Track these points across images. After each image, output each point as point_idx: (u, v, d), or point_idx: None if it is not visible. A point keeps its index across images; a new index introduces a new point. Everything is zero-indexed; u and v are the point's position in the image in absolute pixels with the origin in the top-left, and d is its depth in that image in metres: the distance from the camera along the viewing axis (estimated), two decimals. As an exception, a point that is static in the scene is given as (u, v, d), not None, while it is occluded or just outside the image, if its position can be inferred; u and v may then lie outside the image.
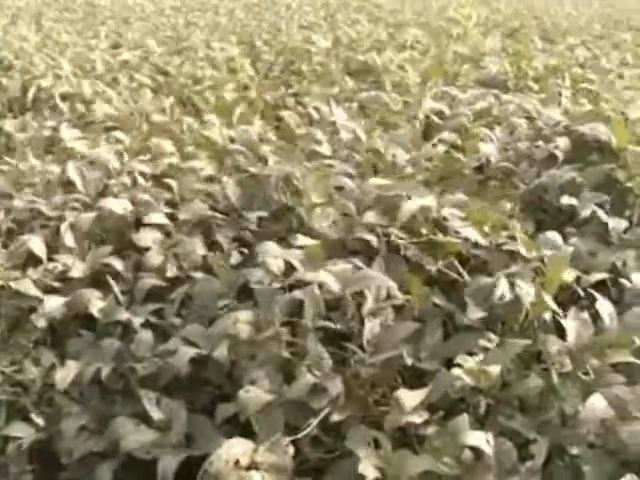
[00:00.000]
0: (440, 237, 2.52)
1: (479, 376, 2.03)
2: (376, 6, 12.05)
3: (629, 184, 3.01)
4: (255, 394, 2.04)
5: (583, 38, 8.55)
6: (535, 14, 11.40)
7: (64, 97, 5.07)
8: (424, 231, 2.55)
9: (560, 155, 3.25)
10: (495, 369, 2.04)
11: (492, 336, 2.22)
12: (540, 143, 3.42)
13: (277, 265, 2.35)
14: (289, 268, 2.36)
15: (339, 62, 6.56)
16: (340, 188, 2.92)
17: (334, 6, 11.92)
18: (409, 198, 2.62)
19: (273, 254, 2.41)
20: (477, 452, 1.92)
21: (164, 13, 11.11)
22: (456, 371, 2.04)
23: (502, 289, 2.27)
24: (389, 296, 2.28)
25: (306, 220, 2.76)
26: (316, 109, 4.58)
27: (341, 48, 7.27)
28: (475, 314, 2.27)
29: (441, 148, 3.47)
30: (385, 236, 2.55)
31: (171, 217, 2.99)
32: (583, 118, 3.53)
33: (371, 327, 2.18)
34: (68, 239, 2.83)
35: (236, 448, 1.92)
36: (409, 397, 2.02)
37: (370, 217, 2.60)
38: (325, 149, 3.50)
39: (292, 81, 6.25)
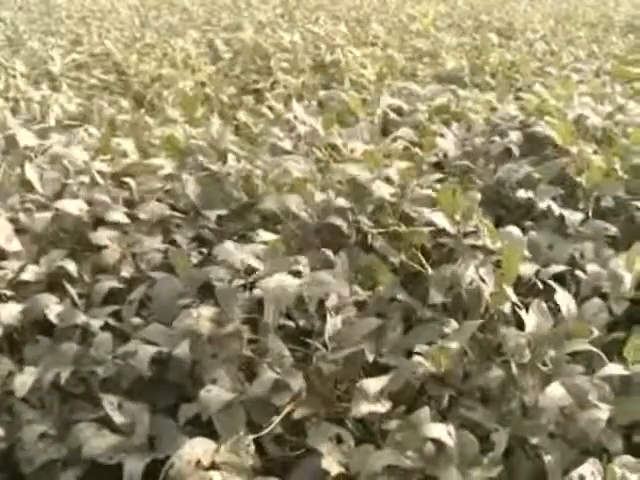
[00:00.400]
0: (407, 227, 2.54)
1: (438, 358, 2.04)
2: (335, 3, 12.06)
3: (579, 179, 3.06)
4: (216, 393, 2.03)
5: (539, 34, 8.64)
6: (491, 11, 11.49)
7: (16, 99, 4.99)
8: (391, 221, 2.56)
9: (515, 150, 3.29)
10: (453, 345, 2.05)
11: (453, 323, 2.24)
12: (496, 138, 3.45)
13: (239, 262, 2.34)
14: (250, 266, 2.36)
15: (299, 60, 6.56)
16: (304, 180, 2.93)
17: (292, 4, 11.91)
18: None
19: (231, 253, 2.39)
20: (439, 444, 1.93)
21: (121, 12, 11.02)
22: (416, 358, 2.05)
23: (470, 275, 2.29)
24: (351, 292, 2.29)
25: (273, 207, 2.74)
26: (275, 107, 4.57)
27: (301, 46, 7.27)
28: (436, 299, 2.29)
29: (399, 144, 3.48)
30: (355, 222, 2.57)
31: (130, 216, 2.96)
32: (535, 114, 3.59)
33: (333, 323, 2.18)
34: (15, 244, 2.77)
35: (197, 448, 1.91)
36: (372, 384, 2.04)
37: (341, 203, 2.60)
38: (286, 145, 3.49)
39: (251, 79, 6.23)
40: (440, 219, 2.54)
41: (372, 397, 2.01)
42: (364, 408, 2.00)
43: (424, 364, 2.05)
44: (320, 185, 2.82)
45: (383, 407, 2.01)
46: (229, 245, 2.46)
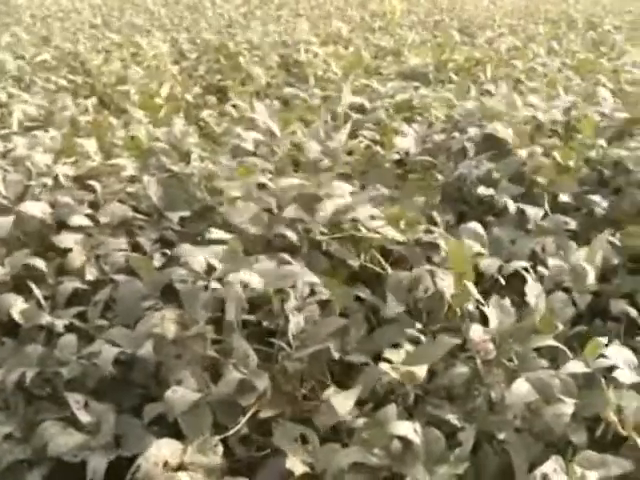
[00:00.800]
0: (362, 232, 2.54)
1: (406, 375, 2.05)
2: (298, 2, 12.06)
3: (535, 176, 3.09)
4: (181, 394, 2.02)
5: (500, 31, 8.71)
6: (455, 8, 11.56)
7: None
8: (345, 227, 2.56)
9: (473, 147, 3.31)
10: (422, 370, 2.05)
11: (417, 325, 2.25)
12: (456, 135, 3.48)
13: (199, 264, 2.33)
14: (211, 266, 2.35)
15: (264, 58, 6.55)
16: (262, 185, 2.92)
17: (255, 3, 11.89)
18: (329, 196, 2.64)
19: (192, 254, 2.38)
20: (406, 442, 1.93)
21: (83, 12, 10.92)
22: (384, 366, 2.05)
23: (425, 283, 2.30)
24: (313, 292, 2.29)
25: (226, 216, 2.74)
26: (239, 106, 4.56)
27: (265, 44, 7.25)
28: (394, 309, 2.30)
29: (361, 142, 3.49)
30: (306, 232, 2.56)
31: (94, 219, 2.94)
32: (492, 112, 3.63)
33: (296, 322, 2.18)
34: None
35: (164, 449, 1.90)
36: (341, 400, 2.02)
37: (290, 212, 2.60)
38: (248, 145, 3.48)
39: (216, 79, 6.21)
40: (389, 231, 2.56)
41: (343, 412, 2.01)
42: (331, 419, 2.00)
43: (389, 366, 2.05)
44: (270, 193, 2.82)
45: (350, 415, 2.01)
46: (189, 247, 2.44)
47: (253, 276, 2.22)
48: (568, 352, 2.19)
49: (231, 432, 2.02)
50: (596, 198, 3.04)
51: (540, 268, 2.58)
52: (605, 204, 3.03)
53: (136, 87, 5.46)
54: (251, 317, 2.25)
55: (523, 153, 3.23)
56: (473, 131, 3.44)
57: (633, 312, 2.48)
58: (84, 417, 2.14)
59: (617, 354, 2.15)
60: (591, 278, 2.55)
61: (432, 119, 3.90)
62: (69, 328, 2.46)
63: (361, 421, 2.02)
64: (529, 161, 3.18)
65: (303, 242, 2.55)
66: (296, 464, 1.90)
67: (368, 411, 2.07)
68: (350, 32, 8.21)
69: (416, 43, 7.47)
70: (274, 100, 4.82)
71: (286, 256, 2.41)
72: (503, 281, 2.50)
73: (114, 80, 5.85)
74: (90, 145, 3.58)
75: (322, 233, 2.55)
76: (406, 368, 2.06)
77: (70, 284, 2.63)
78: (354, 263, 2.50)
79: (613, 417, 2.04)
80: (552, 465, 1.90)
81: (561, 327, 2.27)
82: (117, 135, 3.89)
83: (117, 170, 3.29)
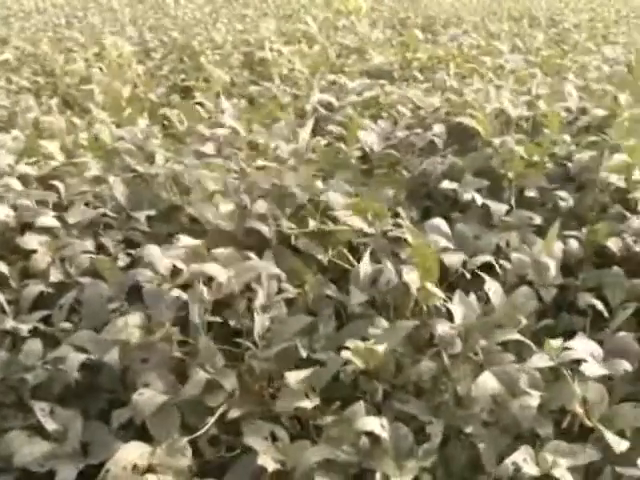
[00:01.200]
0: (330, 226, 2.54)
1: (367, 357, 2.06)
2: (262, 1, 12.03)
3: (502, 170, 3.12)
4: (148, 396, 2.00)
5: (463, 29, 8.76)
6: (418, 6, 11.60)
7: None
8: (313, 222, 2.56)
9: (440, 142, 3.33)
10: (381, 347, 2.07)
11: (383, 322, 2.25)
12: (420, 130, 3.49)
13: (164, 265, 2.32)
14: (176, 267, 2.34)
15: (228, 57, 6.53)
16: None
17: (220, 2, 11.85)
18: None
19: (157, 255, 2.37)
20: (374, 438, 1.94)
21: (46, 12, 10.81)
22: (345, 353, 2.06)
23: (388, 275, 2.31)
24: (280, 290, 2.29)
25: (196, 214, 2.73)
26: (205, 104, 4.55)
27: (230, 43, 7.23)
28: (358, 299, 2.30)
29: (324, 139, 3.50)
30: (277, 227, 2.57)
31: (59, 220, 2.91)
32: (459, 107, 3.65)
33: (262, 321, 2.18)
34: None
35: (133, 452, 1.89)
36: (295, 375, 2.05)
37: (261, 207, 2.60)
38: (212, 144, 3.47)
39: (181, 78, 6.18)
40: (356, 221, 2.56)
41: (300, 393, 2.01)
42: (290, 404, 2.01)
43: (353, 361, 2.06)
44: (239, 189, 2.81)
45: (311, 402, 2.02)
46: (154, 248, 2.43)
47: (216, 268, 2.21)
48: (532, 346, 2.21)
49: (199, 433, 2.01)
50: (561, 193, 3.07)
51: (504, 263, 2.60)
52: (570, 199, 3.06)
53: (100, 87, 5.41)
54: (217, 317, 2.24)
55: (496, 142, 3.25)
56: (439, 127, 3.46)
57: (599, 305, 2.50)
58: (50, 425, 2.11)
59: (583, 346, 2.17)
60: (553, 271, 2.57)
61: (398, 115, 3.91)
62: (34, 332, 2.43)
63: (329, 418, 2.03)
64: (498, 154, 3.20)
65: (273, 237, 2.55)
66: (268, 461, 1.90)
67: (336, 409, 2.08)
68: (314, 31, 8.20)
69: (380, 41, 7.48)
70: (240, 99, 4.81)
71: (251, 254, 2.41)
72: (468, 275, 2.52)
73: (77, 80, 5.80)
74: (53, 146, 3.55)
75: (290, 228, 2.55)
76: (368, 347, 2.07)
77: (35, 287, 2.60)
78: (323, 258, 2.50)
79: (579, 409, 2.07)
80: (522, 455, 1.93)
81: (525, 321, 2.28)
82: (81, 136, 3.86)
83: (81, 171, 3.26)
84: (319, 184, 2.81)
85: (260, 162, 3.11)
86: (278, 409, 2.04)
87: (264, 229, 2.55)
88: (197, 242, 2.44)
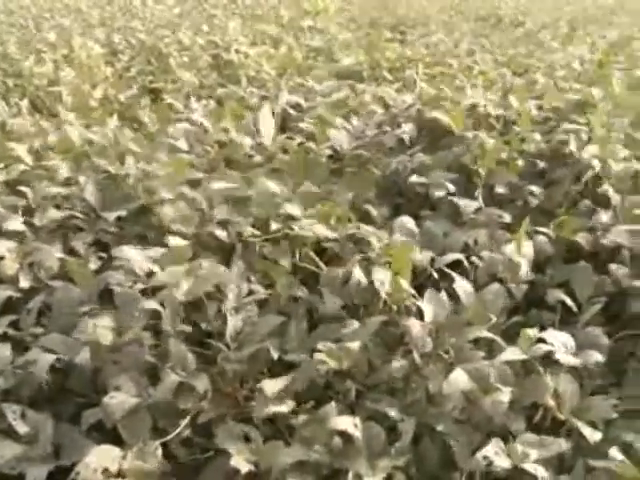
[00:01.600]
0: (294, 231, 2.55)
1: (340, 356, 2.06)
2: (232, 1, 12.00)
3: (474, 167, 3.13)
4: (120, 399, 1.99)
5: (432, 28, 8.80)
6: (387, 6, 11.62)
7: None
8: (276, 226, 2.57)
9: (409, 140, 3.34)
10: (354, 345, 2.07)
11: (355, 323, 2.26)
12: (389, 129, 3.50)
13: (138, 267, 2.31)
14: (150, 269, 2.33)
15: (197, 59, 6.50)
16: (195, 183, 2.91)
17: (190, 2, 11.81)
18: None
19: (130, 256, 2.36)
20: (347, 437, 1.95)
21: (13, 14, 10.70)
22: (318, 355, 2.07)
23: (357, 277, 2.32)
24: (251, 291, 2.29)
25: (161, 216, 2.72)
26: (175, 105, 4.53)
27: (196, 45, 7.20)
28: (332, 305, 2.31)
29: (293, 138, 3.50)
30: (238, 235, 2.56)
31: (28, 224, 2.88)
32: (431, 104, 3.66)
33: (233, 323, 2.18)
34: None
35: (104, 456, 1.88)
36: (271, 385, 2.05)
37: (222, 213, 2.60)
38: (182, 144, 3.46)
39: (149, 80, 6.15)
40: (319, 229, 2.57)
41: (275, 397, 2.02)
42: (267, 409, 2.01)
43: (326, 362, 2.06)
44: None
45: (287, 407, 2.02)
46: (127, 249, 2.42)
47: (184, 279, 2.20)
48: (502, 342, 2.22)
49: (171, 436, 2.01)
50: (531, 189, 3.09)
51: (474, 259, 2.61)
52: (540, 195, 3.08)
53: (68, 89, 5.36)
54: (189, 320, 2.24)
55: (469, 136, 3.27)
56: (409, 125, 3.47)
57: (568, 301, 2.52)
58: (21, 428, 2.09)
59: (554, 338, 2.19)
60: (524, 268, 2.59)
61: (368, 114, 3.92)
62: (3, 337, 2.40)
63: (302, 419, 2.03)
64: (469, 151, 3.21)
65: (236, 243, 2.54)
66: (241, 462, 1.90)
67: (309, 409, 2.08)
68: (279, 32, 8.19)
69: (348, 42, 7.49)
70: (208, 100, 4.79)
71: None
72: (435, 274, 2.53)
73: (46, 82, 5.74)
74: (21, 149, 3.51)
75: (254, 235, 2.55)
76: (340, 347, 2.08)
77: (3, 293, 2.57)
78: (286, 263, 2.50)
79: (551, 402, 2.09)
80: (493, 448, 1.94)
81: (494, 318, 2.30)
82: (50, 138, 3.82)
83: (51, 173, 3.23)
84: (284, 190, 2.80)
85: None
86: (255, 415, 2.03)
87: (223, 235, 2.56)
88: (184, 242, 2.44)
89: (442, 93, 3.91)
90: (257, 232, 2.58)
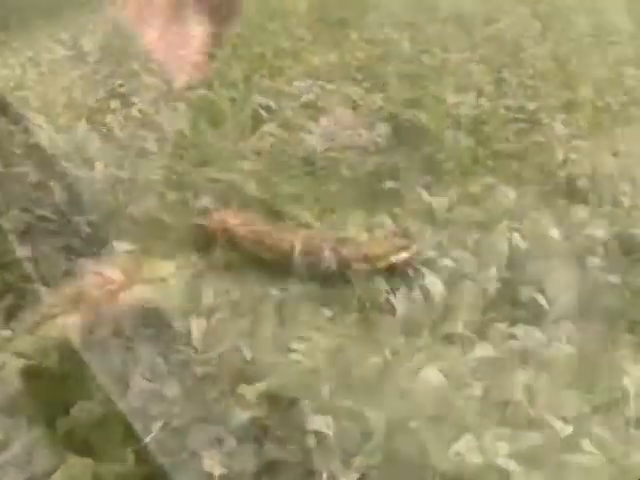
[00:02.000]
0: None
1: (312, 355, 2.06)
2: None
3: (447, 165, 3.14)
4: (91, 407, 1.98)
5: (401, 28, 8.78)
6: (356, 5, 11.60)
7: None
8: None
9: (383, 141, 3.34)
10: (330, 343, 2.07)
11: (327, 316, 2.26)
12: (363, 131, 3.51)
13: (105, 273, 2.30)
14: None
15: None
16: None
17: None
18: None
19: (96, 263, 2.35)
20: (320, 436, 1.94)
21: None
22: (293, 356, 2.06)
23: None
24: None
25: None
26: (144, 110, 4.50)
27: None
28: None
29: (268, 140, 3.49)
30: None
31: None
32: (406, 104, 3.67)
33: (198, 325, 2.17)
34: None
35: (77, 466, 1.87)
36: (250, 390, 2.04)
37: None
38: (152, 147, 3.44)
39: (118, 84, 6.10)
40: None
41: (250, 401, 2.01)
42: (243, 415, 2.00)
43: (301, 362, 2.06)
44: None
45: (263, 410, 2.01)
46: (96, 254, 2.40)
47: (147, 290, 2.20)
48: (475, 338, 2.23)
49: (144, 442, 1.99)
50: (502, 189, 3.10)
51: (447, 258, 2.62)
52: (513, 195, 3.09)
53: (35, 92, 5.31)
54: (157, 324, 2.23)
55: (443, 137, 3.28)
56: (383, 126, 3.47)
57: (541, 299, 2.53)
58: (-6, 434, 2.07)
59: (526, 333, 2.20)
60: (498, 266, 2.60)
61: (340, 116, 3.92)
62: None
63: (275, 419, 2.02)
64: (443, 150, 3.22)
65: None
66: (214, 466, 1.89)
67: (282, 408, 2.07)
68: (246, 32, 8.14)
69: (319, 41, 7.45)
70: (178, 104, 4.76)
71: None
72: (411, 272, 2.53)
73: (12, 85, 5.68)
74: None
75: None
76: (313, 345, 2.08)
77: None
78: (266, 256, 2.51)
79: (523, 397, 2.09)
80: (465, 444, 1.94)
81: (468, 315, 2.31)
82: (17, 142, 3.78)
83: (18, 177, 3.20)
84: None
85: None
86: (233, 421, 2.02)
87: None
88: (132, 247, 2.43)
89: (415, 93, 3.91)
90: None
